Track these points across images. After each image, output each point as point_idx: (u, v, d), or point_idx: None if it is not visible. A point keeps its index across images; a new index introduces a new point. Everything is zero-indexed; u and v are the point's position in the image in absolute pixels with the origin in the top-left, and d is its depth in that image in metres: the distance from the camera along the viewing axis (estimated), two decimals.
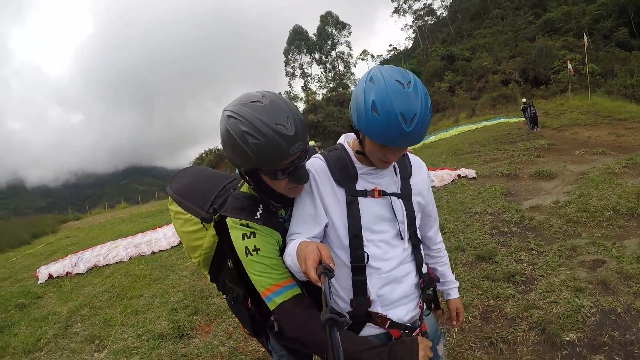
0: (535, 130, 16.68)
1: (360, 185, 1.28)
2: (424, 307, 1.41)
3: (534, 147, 11.74)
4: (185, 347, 3.59)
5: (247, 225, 1.26)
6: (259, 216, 1.26)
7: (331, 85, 73.57)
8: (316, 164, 1.32)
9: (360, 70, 76.20)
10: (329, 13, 75.38)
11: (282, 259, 1.24)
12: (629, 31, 42.72)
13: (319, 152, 1.40)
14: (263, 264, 1.23)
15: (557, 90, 34.93)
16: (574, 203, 5.76)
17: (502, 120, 23.96)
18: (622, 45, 41.06)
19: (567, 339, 2.69)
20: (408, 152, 1.43)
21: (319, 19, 75.66)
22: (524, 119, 18.68)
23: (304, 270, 1.00)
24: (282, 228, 1.32)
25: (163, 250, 7.76)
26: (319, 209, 1.27)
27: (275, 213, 1.32)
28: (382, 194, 1.28)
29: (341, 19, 75.25)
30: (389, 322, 1.27)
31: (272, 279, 1.22)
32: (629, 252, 3.84)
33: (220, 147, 55.94)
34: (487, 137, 16.58)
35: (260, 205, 1.28)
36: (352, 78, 75.19)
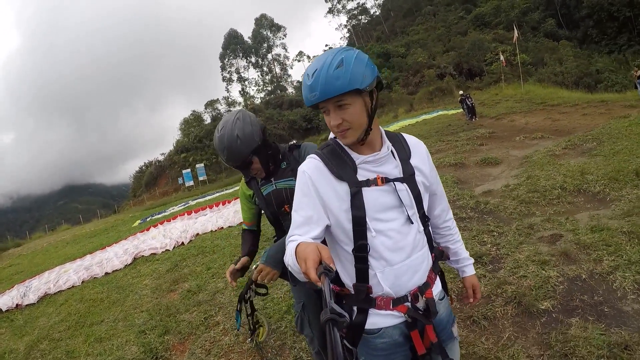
0: (474, 120, 17.34)
1: (361, 176, 1.26)
2: (436, 278, 1.41)
3: (476, 136, 12.19)
4: None
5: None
6: (247, 179, 2.09)
7: (269, 89, 73.14)
8: (310, 165, 1.29)
9: (297, 71, 76.71)
10: (263, 16, 74.89)
11: (284, 260, 1.21)
12: (556, 22, 46.10)
13: (314, 151, 1.38)
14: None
15: (491, 81, 36.99)
16: (524, 185, 6.07)
17: (441, 112, 24.80)
18: (550, 36, 44.19)
19: (543, 307, 2.83)
20: (402, 134, 1.42)
21: (254, 21, 75.26)
22: (462, 110, 19.42)
23: (304, 271, 0.98)
24: (257, 188, 2.03)
25: (117, 270, 7.41)
26: (317, 211, 1.24)
27: (254, 179, 2.05)
28: (386, 180, 1.26)
29: (276, 21, 75.17)
30: (391, 301, 1.26)
31: (244, 217, 2.21)
32: (582, 225, 4.10)
33: (160, 158, 54.40)
34: (429, 129, 17.18)
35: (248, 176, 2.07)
36: (289, 80, 75.29)
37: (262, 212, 2.13)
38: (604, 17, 40.47)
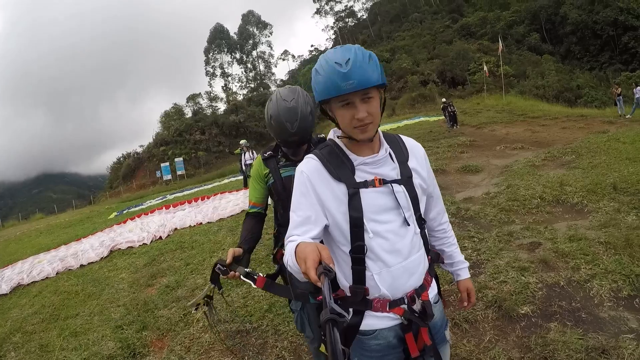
0: (455, 128, 17.44)
1: (359, 177, 1.26)
2: (432, 281, 1.41)
3: (457, 143, 12.30)
4: None
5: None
6: (266, 155, 2.02)
7: (252, 86, 72.83)
8: (309, 165, 1.29)
9: (281, 70, 76.78)
10: (250, 12, 74.95)
11: (284, 262, 1.20)
12: (540, 36, 47.34)
13: (311, 152, 1.36)
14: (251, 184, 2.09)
15: (474, 90, 37.70)
16: (504, 193, 6.19)
17: (422, 119, 25.01)
18: (533, 49, 45.28)
19: (522, 312, 2.90)
20: (400, 135, 1.43)
21: (241, 17, 75.01)
22: (443, 117, 19.53)
23: (304, 271, 0.97)
24: (276, 168, 1.98)
25: (92, 262, 7.23)
26: (316, 211, 1.24)
27: (274, 159, 2.01)
28: (383, 182, 1.26)
29: (263, 18, 75.19)
30: (388, 303, 1.27)
31: (252, 197, 2.06)
32: (560, 234, 4.22)
33: (138, 150, 53.45)
34: (410, 135, 16.84)
35: (270, 152, 2.03)
36: (272, 78, 75.18)
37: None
38: (587, 34, 41.83)
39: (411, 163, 1.35)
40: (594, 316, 2.73)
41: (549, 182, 6.27)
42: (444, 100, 20.69)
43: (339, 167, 1.26)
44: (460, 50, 44.55)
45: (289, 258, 1.13)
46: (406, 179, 1.30)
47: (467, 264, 1.56)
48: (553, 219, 4.87)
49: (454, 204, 6.03)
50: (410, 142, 1.42)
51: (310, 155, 1.32)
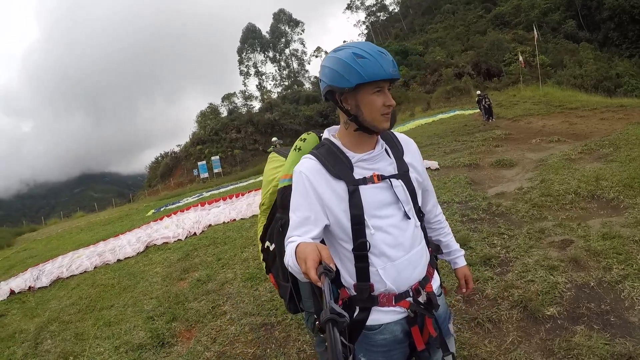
0: (490, 121, 17.05)
1: (358, 174, 1.28)
2: (434, 273, 1.43)
3: (492, 137, 12.02)
4: (167, 356, 3.46)
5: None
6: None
7: (286, 83, 73.36)
8: (307, 165, 1.31)
9: (314, 67, 76.46)
10: (281, 10, 75.02)
11: (285, 262, 1.23)
12: (577, 23, 45.13)
13: (310, 152, 1.38)
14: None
15: (509, 82, 36.40)
16: (537, 188, 5.99)
17: (458, 112, 24.46)
18: (570, 37, 43.32)
19: (548, 313, 2.81)
20: (393, 131, 1.45)
21: (272, 16, 75.35)
22: (478, 110, 19.09)
23: (304, 271, 0.99)
24: None
25: (129, 257, 7.51)
26: (315, 211, 1.26)
27: None
28: (382, 178, 1.28)
29: (294, 16, 75.22)
30: (394, 297, 1.29)
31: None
32: (594, 231, 4.05)
33: (176, 150, 54.89)
34: (445, 129, 17.01)
35: None
36: (306, 75, 75.31)
37: None
38: (625, 19, 39.58)
39: (407, 158, 1.38)
40: (623, 320, 2.61)
41: (585, 177, 6.02)
42: (478, 92, 20.25)
43: (337, 165, 1.28)
44: (495, 41, 43.16)
45: (289, 259, 1.15)
46: (403, 173, 1.33)
47: (462, 252, 1.60)
48: (587, 216, 4.67)
49: (485, 200, 5.90)
50: (403, 138, 1.44)
51: (308, 156, 1.34)
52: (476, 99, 19.35)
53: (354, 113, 1.25)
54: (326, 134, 1.41)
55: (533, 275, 3.35)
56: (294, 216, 1.28)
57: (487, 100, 17.77)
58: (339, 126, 1.38)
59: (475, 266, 3.74)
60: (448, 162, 9.32)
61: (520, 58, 29.29)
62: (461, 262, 1.58)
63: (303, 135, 1.70)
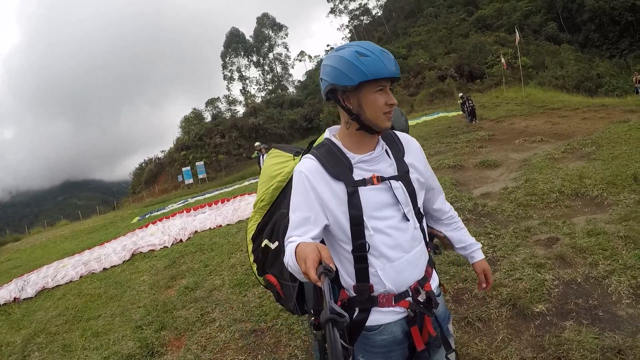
0: (474, 122, 17.21)
1: (357, 175, 1.28)
2: (433, 272, 1.43)
3: (475, 138, 12.13)
4: None
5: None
6: None
7: (270, 88, 73.05)
8: (307, 165, 1.30)
9: (298, 71, 77.01)
10: (265, 15, 75.01)
11: (285, 263, 1.22)
12: (558, 25, 45.86)
13: (310, 152, 1.37)
14: None
15: (492, 83, 36.91)
16: (522, 188, 6.06)
17: (441, 114, 24.69)
18: (551, 39, 44.03)
19: (537, 310, 2.85)
20: (394, 131, 1.44)
21: (256, 21, 75.33)
22: (462, 112, 19.28)
23: (304, 271, 0.99)
24: None
25: (115, 265, 7.40)
26: (315, 211, 1.25)
27: None
28: (381, 179, 1.27)
29: (278, 20, 75.25)
30: (393, 297, 1.28)
31: None
32: (579, 229, 4.11)
33: (160, 156, 54.22)
34: (429, 131, 17.15)
35: None
36: (290, 79, 75.36)
37: None
38: (605, 21, 40.42)
39: (407, 158, 1.36)
40: (611, 314, 2.65)
41: (568, 175, 6.11)
42: (461, 94, 20.37)
43: (337, 166, 1.28)
44: (477, 43, 43.70)
45: (289, 259, 1.15)
46: (403, 174, 1.32)
47: (479, 245, 1.56)
48: (572, 213, 4.75)
49: (470, 200, 5.94)
50: (404, 137, 1.43)
51: (308, 156, 1.33)
52: (459, 101, 19.52)
53: (356, 112, 1.25)
54: (327, 134, 1.40)
55: (521, 274, 3.38)
56: (293, 216, 1.27)
57: (470, 102, 17.94)
58: (340, 126, 1.37)
59: (463, 266, 3.76)
60: (433, 163, 9.33)
61: (503, 60, 29.78)
62: (478, 256, 1.54)
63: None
